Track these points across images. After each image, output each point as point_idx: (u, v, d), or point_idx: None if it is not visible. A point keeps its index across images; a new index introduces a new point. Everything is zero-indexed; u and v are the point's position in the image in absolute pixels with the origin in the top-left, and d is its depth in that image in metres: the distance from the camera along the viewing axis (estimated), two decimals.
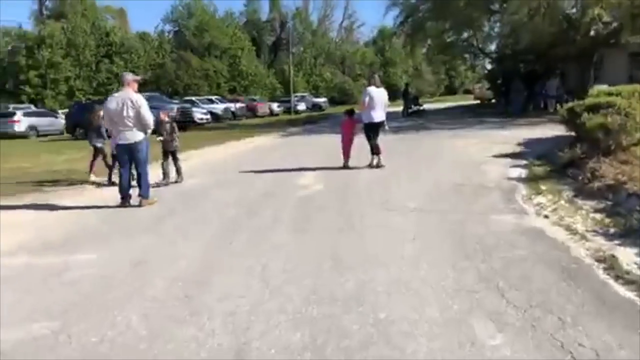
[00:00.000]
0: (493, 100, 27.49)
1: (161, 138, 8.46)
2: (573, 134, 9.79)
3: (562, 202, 5.89)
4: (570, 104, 9.79)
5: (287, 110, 35.63)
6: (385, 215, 5.76)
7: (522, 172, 8.09)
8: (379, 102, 9.44)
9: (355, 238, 4.93)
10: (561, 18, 20.48)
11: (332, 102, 47.89)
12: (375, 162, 9.30)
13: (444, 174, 8.21)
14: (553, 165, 8.29)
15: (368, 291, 3.57)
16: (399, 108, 26.24)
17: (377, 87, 9.60)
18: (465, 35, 26.44)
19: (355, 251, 4.49)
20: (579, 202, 5.84)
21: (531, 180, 7.36)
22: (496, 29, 24.86)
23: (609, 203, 5.53)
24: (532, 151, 10.38)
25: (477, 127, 16.47)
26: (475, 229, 5.02)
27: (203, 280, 3.87)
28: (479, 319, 3.10)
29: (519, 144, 11.58)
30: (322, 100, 42.27)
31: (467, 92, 58.00)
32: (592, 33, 21.03)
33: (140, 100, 6.64)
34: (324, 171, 9.15)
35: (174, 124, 8.81)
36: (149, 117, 6.66)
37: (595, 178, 6.44)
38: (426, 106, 28.53)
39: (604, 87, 12.13)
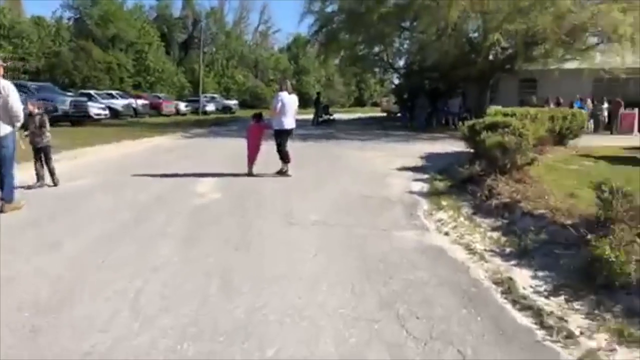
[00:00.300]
0: (399, 114, 28.36)
1: (27, 133, 7.34)
2: (472, 150, 10.13)
3: (462, 219, 5.88)
4: (471, 122, 10.13)
5: (195, 111, 34.25)
6: (287, 229, 5.38)
7: (424, 186, 8.12)
8: (290, 109, 9.10)
9: (250, 255, 4.48)
10: (464, 41, 21.62)
11: (243, 105, 46.95)
12: (283, 169, 8.93)
13: (350, 185, 8.03)
14: (453, 181, 8.42)
15: (258, 321, 3.14)
16: (309, 116, 26.22)
17: (289, 93, 9.26)
18: (376, 49, 27.07)
19: (249, 271, 4.03)
20: (477, 219, 5.86)
21: (432, 194, 7.37)
22: (405, 46, 25.73)
23: (505, 221, 5.59)
24: (433, 165, 10.58)
25: (383, 140, 16.73)
26: (378, 245, 4.79)
27: (57, 308, 3.20)
28: (377, 353, 2.80)
29: (422, 158, 11.82)
30: (232, 102, 41.24)
31: (375, 104, 59.90)
32: (490, 57, 22.44)
33: (9, 87, 5.69)
34: (226, 178, 8.59)
35: (45, 117, 7.69)
36: (19, 108, 5.73)
37: (492, 195, 6.55)
38: (336, 116, 28.79)
39: (500, 108, 12.81)
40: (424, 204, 6.71)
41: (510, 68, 22.24)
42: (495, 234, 5.26)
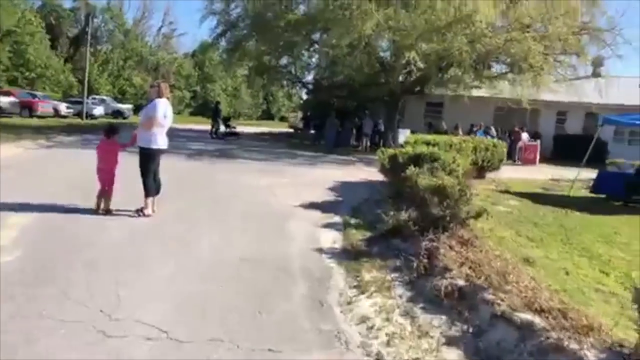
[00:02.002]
0: (308, 131, 26.36)
1: None
2: (394, 187, 8.21)
3: (398, 317, 3.70)
4: (390, 151, 8.19)
5: (79, 114, 29.68)
6: (90, 350, 2.82)
7: (337, 239, 5.92)
8: (167, 123, 6.48)
9: None
10: (375, 59, 20.21)
11: (139, 110, 42.47)
12: (144, 208, 6.23)
13: (232, 236, 5.60)
14: (373, 230, 6.33)
15: None
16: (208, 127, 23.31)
17: (168, 99, 6.63)
18: (284, 61, 24.97)
19: None
20: (421, 317, 3.72)
21: (349, 256, 5.17)
22: (315, 60, 23.90)
23: (466, 327, 3.49)
24: (345, 201, 8.50)
25: (287, 161, 14.48)
26: None
27: None
28: None
29: (332, 189, 9.70)
30: (126, 107, 36.76)
31: (283, 119, 57.92)
32: (401, 79, 21.29)
33: None
34: (55, 216, 5.77)
35: None
36: None
37: (434, 268, 4.49)
38: (241, 129, 26.11)
39: (419, 136, 11.13)
40: (340, 279, 4.48)
41: (421, 90, 21.27)
42: (458, 357, 3.12)
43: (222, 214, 6.67)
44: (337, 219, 7.02)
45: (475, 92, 21.30)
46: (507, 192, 11.09)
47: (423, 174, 6.62)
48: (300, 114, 33.10)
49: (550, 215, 8.74)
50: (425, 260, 4.63)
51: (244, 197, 7.94)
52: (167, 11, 57.05)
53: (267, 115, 60.55)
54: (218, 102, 26.36)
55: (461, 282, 4.04)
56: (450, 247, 4.84)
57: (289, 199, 8.10)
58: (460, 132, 19.31)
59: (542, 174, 15.96)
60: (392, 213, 6.14)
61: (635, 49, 21.46)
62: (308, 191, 9.11)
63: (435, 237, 5.01)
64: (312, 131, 22.88)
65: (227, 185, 9.05)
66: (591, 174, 16.56)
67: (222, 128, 22.01)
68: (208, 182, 9.24)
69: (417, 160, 7.60)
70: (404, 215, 5.96)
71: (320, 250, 5.30)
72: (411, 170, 6.70)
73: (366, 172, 13.06)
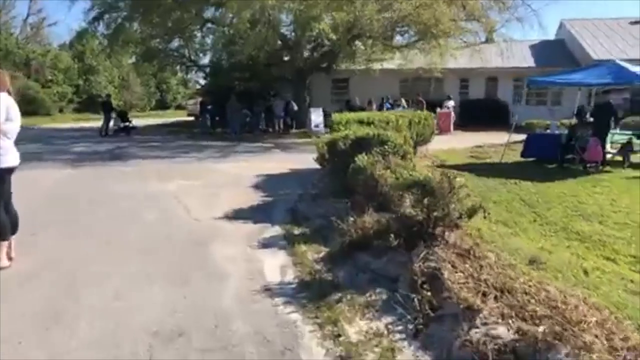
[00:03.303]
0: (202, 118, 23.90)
1: None
2: (323, 169, 6.75)
3: None
4: (327, 136, 6.65)
5: None
6: None
7: (286, 263, 4.29)
8: (13, 128, 4.27)
9: None
10: (277, 36, 18.39)
11: None
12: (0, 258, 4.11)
13: (132, 291, 3.72)
14: (327, 242, 4.79)
15: None
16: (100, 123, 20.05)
17: (9, 93, 4.39)
18: (175, 43, 22.25)
19: None
20: None
21: (314, 295, 3.57)
22: (210, 40, 21.45)
23: None
24: (277, 201, 6.87)
25: (193, 156, 12.38)
26: None
27: None
28: None
29: (256, 187, 7.99)
30: None
31: (180, 107, 53.99)
32: (306, 55, 19.76)
33: None
34: None
35: None
36: None
37: (443, 303, 3.05)
38: (135, 122, 22.90)
39: (349, 114, 9.67)
40: (313, 346, 2.85)
41: (328, 66, 19.89)
42: None
43: (115, 249, 4.69)
44: (275, 229, 5.37)
45: (378, 65, 20.38)
46: (442, 166, 10.12)
47: (378, 163, 5.19)
48: (199, 101, 30.40)
49: (503, 189, 7.80)
50: (428, 293, 3.18)
51: (145, 216, 5.94)
52: None
53: (162, 105, 56.06)
54: (108, 95, 22.66)
55: (503, 332, 2.63)
56: (453, 265, 3.43)
57: (207, 209, 6.27)
58: (374, 107, 18.32)
59: (461, 142, 15.42)
60: (351, 219, 4.63)
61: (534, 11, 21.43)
62: (228, 194, 7.32)
63: (429, 252, 3.57)
64: (203, 119, 20.53)
65: (120, 199, 6.94)
66: (505, 137, 16.38)
67: (112, 124, 18.91)
68: (95, 197, 7.04)
69: (361, 144, 6.16)
70: (369, 221, 4.49)
71: (269, 292, 3.63)
72: (363, 159, 5.23)
73: (288, 161, 11.45)
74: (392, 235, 3.82)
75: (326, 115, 17.21)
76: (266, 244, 4.85)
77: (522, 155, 11.29)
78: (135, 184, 8.14)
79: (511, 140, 13.85)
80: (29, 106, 38.92)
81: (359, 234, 4.39)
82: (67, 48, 49.03)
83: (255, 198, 7.08)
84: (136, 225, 5.48)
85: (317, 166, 10.00)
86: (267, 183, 8.37)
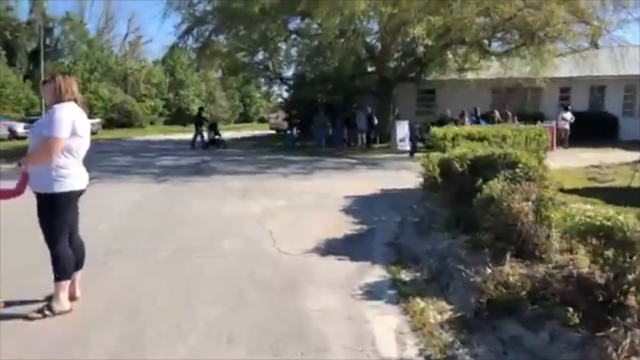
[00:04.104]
0: (289, 132, 23.50)
1: None
2: (412, 187, 5.64)
3: None
4: (436, 154, 5.53)
5: None
6: None
7: (403, 329, 3.25)
8: (82, 144, 3.64)
9: None
10: (363, 45, 17.52)
11: (111, 124, 39.12)
12: (60, 300, 3.45)
13: (206, 349, 2.86)
14: (448, 294, 3.70)
15: None
16: (189, 136, 20.27)
17: (77, 102, 3.72)
18: (260, 56, 22.12)
19: None
20: None
21: None
22: (294, 52, 21.06)
23: None
24: (373, 229, 5.85)
25: (277, 172, 11.71)
26: None
27: None
28: None
29: (347, 211, 7.02)
30: (93, 121, 33.39)
31: (262, 120, 54.99)
32: (392, 65, 18.69)
33: None
34: None
35: None
36: None
37: None
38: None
39: (449, 128, 8.47)
40: None
41: (416, 77, 18.65)
42: None
43: (191, 290, 3.90)
44: (378, 272, 4.34)
45: (473, 74, 18.77)
46: (561, 190, 8.55)
47: (516, 192, 4.01)
48: (282, 114, 30.29)
49: None
50: None
51: (224, 247, 5.15)
52: (132, 18, 53.20)
53: (245, 118, 57.45)
54: (201, 108, 22.61)
55: None
56: None
57: (295, 238, 5.39)
58: (467, 120, 16.77)
59: (571, 160, 13.49)
60: (488, 270, 3.49)
61: None
62: (316, 219, 6.41)
63: (635, 340, 2.36)
64: (293, 132, 19.92)
65: (199, 223, 6.26)
66: (624, 154, 14.15)
67: (205, 136, 18.89)
68: (173, 220, 6.42)
69: (484, 166, 4.99)
70: (512, 273, 3.34)
71: None
72: (496, 186, 4.07)
73: (376, 179, 10.43)
74: (570, 309, 2.64)
75: (412, 129, 15.99)
76: (371, 294, 3.83)
77: None
78: (217, 203, 7.49)
79: (631, 160, 11.94)
80: (125, 118, 41.52)
81: (500, 291, 3.24)
82: (160, 63, 51.79)
83: (347, 225, 6.10)
84: (215, 259, 4.70)
85: (410, 186, 8.92)
86: (358, 206, 7.38)
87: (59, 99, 3.50)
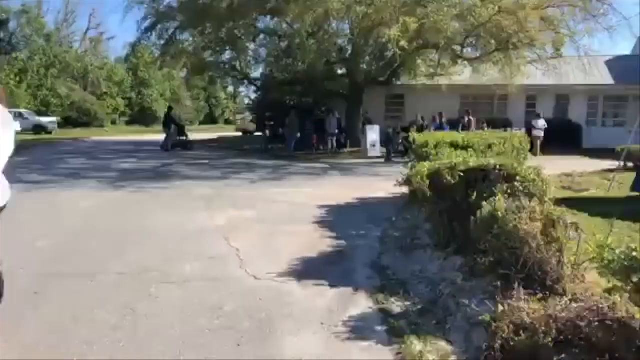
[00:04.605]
0: (259, 134, 22.67)
1: None
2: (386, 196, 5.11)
3: None
4: (425, 164, 4.97)
5: None
6: None
7: None
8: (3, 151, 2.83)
9: None
10: (334, 47, 16.97)
11: (68, 123, 37.23)
12: None
13: None
14: (444, 330, 3.13)
15: None
16: (154, 137, 19.13)
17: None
18: (227, 56, 21.24)
19: None
20: None
21: None
22: (263, 52, 20.29)
23: None
24: (352, 246, 5.26)
25: (245, 177, 10.96)
26: None
27: None
28: None
29: (320, 223, 6.40)
30: (48, 120, 31.46)
31: (228, 122, 53.84)
32: (363, 67, 18.22)
33: None
34: None
35: None
36: None
37: None
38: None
39: (431, 133, 7.95)
40: None
41: (387, 81, 18.25)
42: None
43: (143, 334, 3.17)
44: (363, 301, 3.73)
45: (445, 80, 18.52)
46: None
47: (523, 211, 3.50)
48: (249, 116, 29.46)
49: None
50: None
51: (184, 270, 4.41)
52: (94, 13, 50.85)
53: (211, 119, 56.04)
54: (171, 108, 21.36)
55: None
56: None
57: (266, 259, 4.72)
58: (432, 128, 16.43)
59: (545, 169, 13.32)
60: (500, 307, 2.94)
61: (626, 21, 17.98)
62: (289, 233, 5.76)
63: None
64: (266, 133, 19.11)
65: (156, 238, 5.48)
66: (591, 162, 14.19)
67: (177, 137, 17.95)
68: (125, 235, 5.60)
69: (476, 178, 4.47)
70: (529, 309, 2.79)
71: None
72: (500, 205, 3.54)
73: (349, 186, 9.88)
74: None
75: (388, 134, 15.56)
76: (358, 331, 3.21)
77: (635, 189, 9.18)
78: (178, 215, 6.71)
79: (599, 169, 11.95)
80: (84, 116, 39.56)
81: (518, 336, 2.68)
82: (123, 61, 49.80)
83: (323, 241, 5.47)
84: (172, 287, 3.96)
85: (384, 195, 8.40)
86: (333, 217, 6.77)
87: None
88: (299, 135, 17.42)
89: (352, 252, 5.07)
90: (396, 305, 3.66)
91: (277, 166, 12.97)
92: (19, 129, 28.27)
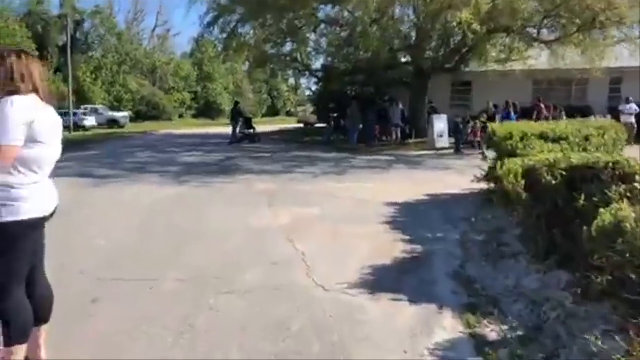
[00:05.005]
0: (323, 125, 22.25)
1: None
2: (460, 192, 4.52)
3: None
4: (517, 161, 4.30)
5: (67, 127, 26.03)
6: None
7: None
8: (46, 154, 2.48)
9: None
10: (398, 34, 16.17)
11: (139, 117, 38.85)
12: None
13: None
14: None
15: None
16: (219, 130, 19.30)
17: (38, 93, 2.56)
18: (288, 47, 20.96)
19: None
20: None
21: None
22: (324, 43, 19.81)
23: None
24: (429, 251, 4.67)
25: (306, 171, 10.57)
26: None
27: None
28: None
29: (390, 223, 5.86)
30: (121, 115, 32.98)
31: (289, 114, 54.06)
32: (429, 55, 17.29)
33: None
34: None
35: None
36: None
37: None
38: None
39: (521, 125, 7.13)
40: None
41: (454, 67, 17.20)
42: None
43: (200, 351, 2.81)
44: (451, 323, 3.18)
45: (519, 65, 17.13)
46: None
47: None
48: (310, 108, 29.18)
49: None
50: None
51: (246, 278, 4.02)
52: (160, 10, 52.86)
53: (273, 112, 56.57)
54: (237, 102, 21.54)
55: None
56: None
57: (332, 265, 4.27)
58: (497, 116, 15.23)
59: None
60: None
61: None
62: (357, 235, 5.26)
63: None
64: (330, 126, 18.59)
65: (217, 239, 5.17)
66: None
67: (238, 130, 18.09)
68: (186, 235, 5.34)
69: (583, 179, 3.75)
70: None
71: None
72: (629, 213, 2.84)
73: (418, 180, 9.23)
74: None
75: (456, 124, 14.63)
76: None
77: None
78: (240, 212, 6.41)
79: None
80: (153, 110, 41.15)
81: None
82: (188, 56, 51.30)
83: (397, 245, 4.93)
84: (233, 297, 3.59)
85: (457, 191, 7.69)
86: (404, 217, 6.19)
87: (10, 88, 2.42)
88: (361, 126, 16.83)
89: (430, 259, 4.50)
90: (491, 330, 3.07)
91: (339, 159, 12.50)
92: (95, 123, 29.91)
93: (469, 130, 14.70)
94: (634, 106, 15.44)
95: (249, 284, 3.86)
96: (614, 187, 3.48)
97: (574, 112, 16.35)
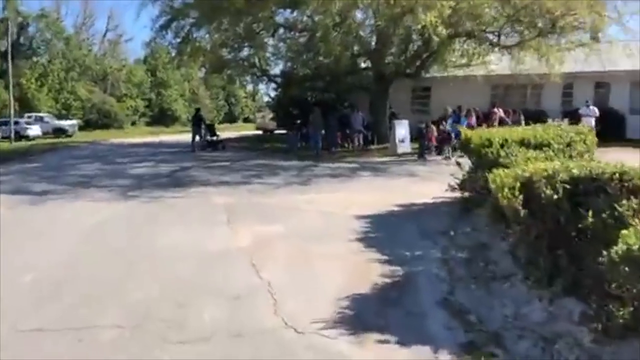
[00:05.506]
0: (283, 132, 21.56)
1: None
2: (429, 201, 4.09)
3: None
4: (508, 172, 3.81)
5: (7, 137, 24.12)
6: None
7: None
8: None
9: None
10: (358, 39, 15.75)
11: (89, 125, 36.80)
12: None
13: None
14: None
15: None
16: (177, 137, 18.25)
17: None
18: (245, 52, 20.17)
19: None
20: None
21: None
22: (282, 47, 19.15)
23: None
24: (410, 274, 4.15)
25: (268, 182, 9.86)
26: None
27: None
28: None
29: (363, 240, 5.29)
30: (68, 123, 30.94)
31: (247, 120, 52.99)
32: (389, 60, 16.99)
33: None
34: None
35: None
36: None
37: None
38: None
39: (485, 131, 6.74)
40: None
41: (415, 73, 16.96)
42: None
43: None
44: None
45: (481, 70, 17.11)
46: None
47: None
48: (269, 114, 28.45)
49: None
50: None
51: (203, 319, 3.34)
52: (111, 14, 50.35)
53: (230, 118, 55.25)
54: (198, 109, 20.95)
55: None
56: None
57: (303, 297, 3.65)
58: (473, 119, 15.11)
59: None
60: None
61: None
62: (328, 256, 4.67)
63: None
64: (294, 135, 17.91)
65: (167, 268, 4.43)
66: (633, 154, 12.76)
67: (198, 139, 17.23)
68: (131, 264, 4.57)
69: (587, 192, 3.30)
70: None
71: None
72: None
73: (385, 189, 8.75)
74: None
75: (420, 130, 14.32)
76: None
77: None
78: (195, 232, 5.67)
79: None
80: (104, 118, 39.09)
81: None
82: (142, 62, 49.29)
83: (373, 268, 4.36)
84: (187, 347, 2.90)
85: (427, 200, 7.26)
86: (376, 231, 5.65)
87: None
88: (323, 132, 16.29)
89: (413, 284, 3.96)
90: None
91: (301, 167, 11.87)
92: (40, 133, 27.97)
93: (429, 135, 14.42)
94: (594, 109, 15.67)
95: (205, 328, 3.17)
96: (624, 202, 3.05)
97: (529, 116, 16.51)
